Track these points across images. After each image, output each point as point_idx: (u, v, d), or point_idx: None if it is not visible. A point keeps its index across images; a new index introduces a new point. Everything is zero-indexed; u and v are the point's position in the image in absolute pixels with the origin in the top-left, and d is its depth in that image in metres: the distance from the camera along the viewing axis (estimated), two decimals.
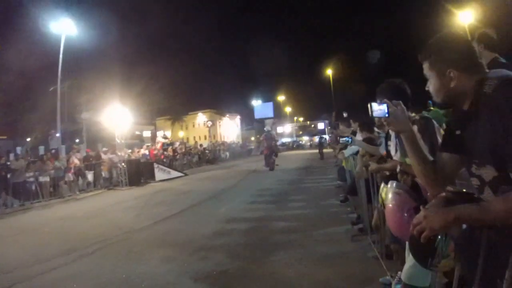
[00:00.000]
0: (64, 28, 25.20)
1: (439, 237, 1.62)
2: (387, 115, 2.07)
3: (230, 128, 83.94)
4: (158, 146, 27.50)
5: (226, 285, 4.78)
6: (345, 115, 8.99)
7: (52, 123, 27.84)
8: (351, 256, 5.49)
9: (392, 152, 3.59)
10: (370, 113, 2.15)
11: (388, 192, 2.93)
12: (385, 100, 2.07)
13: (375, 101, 2.14)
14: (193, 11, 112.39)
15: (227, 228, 7.75)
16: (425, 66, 1.87)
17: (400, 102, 2.17)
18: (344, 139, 6.16)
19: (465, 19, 25.57)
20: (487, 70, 1.69)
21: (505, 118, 1.44)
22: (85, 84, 35.20)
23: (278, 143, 57.31)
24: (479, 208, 1.51)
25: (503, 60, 4.25)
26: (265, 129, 26.99)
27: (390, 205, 2.82)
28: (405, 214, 2.60)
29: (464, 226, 1.60)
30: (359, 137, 6.39)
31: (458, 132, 1.77)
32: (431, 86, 1.86)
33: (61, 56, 24.96)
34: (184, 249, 6.48)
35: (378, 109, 2.10)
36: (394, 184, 2.88)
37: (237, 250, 6.21)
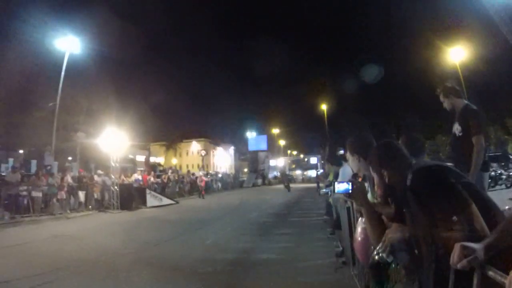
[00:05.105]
0: (68, 45, 25.23)
1: (392, 265, 1.98)
2: (350, 191, 2.74)
3: (223, 158, 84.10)
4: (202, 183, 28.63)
5: None
6: (341, 152, 9.12)
7: (46, 138, 27.80)
8: (333, 286, 5.76)
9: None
10: (333, 190, 2.87)
11: (357, 227, 3.27)
12: (351, 179, 2.88)
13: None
14: (192, 39, 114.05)
15: (214, 257, 7.90)
16: (371, 169, 2.53)
17: (362, 182, 2.95)
18: (323, 191, 6.54)
19: (456, 56, 26.57)
20: (412, 162, 2.30)
21: (422, 202, 2.01)
22: (82, 103, 35.38)
23: (270, 176, 57.89)
24: (431, 232, 1.96)
25: (474, 107, 4.74)
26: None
27: (359, 238, 3.16)
28: (372, 247, 2.90)
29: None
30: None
31: (404, 210, 2.26)
32: (375, 181, 2.51)
33: (63, 73, 25.02)
34: (171, 274, 6.64)
35: (338, 187, 2.79)
36: (362, 219, 3.20)
37: (224, 278, 6.38)
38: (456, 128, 4.70)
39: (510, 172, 20.29)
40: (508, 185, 19.32)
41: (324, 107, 55.36)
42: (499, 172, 19.80)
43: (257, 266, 7.17)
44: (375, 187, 3.22)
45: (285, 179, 45.35)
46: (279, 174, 61.76)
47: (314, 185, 35.58)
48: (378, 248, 2.12)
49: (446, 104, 4.96)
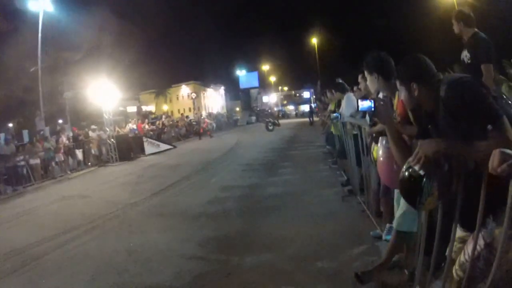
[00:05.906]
0: (41, 4, 24.08)
1: (424, 178, 1.90)
2: (373, 109, 2.63)
3: (214, 100, 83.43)
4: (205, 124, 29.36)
5: (229, 246, 5.09)
6: (340, 80, 8.93)
7: (33, 106, 27.21)
8: (342, 214, 5.83)
9: None
10: (356, 108, 2.76)
11: (379, 148, 3.21)
12: (372, 97, 2.76)
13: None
14: None
15: (221, 196, 8.05)
16: (397, 83, 2.43)
17: (386, 99, 2.92)
18: (333, 115, 6.53)
19: None
20: (441, 77, 2.20)
21: (454, 113, 1.99)
22: (65, 63, 34.37)
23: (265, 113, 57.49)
24: (466, 142, 1.93)
25: (483, 35, 4.59)
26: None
27: (381, 158, 3.15)
28: (394, 165, 2.86)
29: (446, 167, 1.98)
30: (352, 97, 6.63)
31: (429, 126, 2.27)
32: (402, 96, 2.41)
33: (40, 34, 24.07)
34: (182, 218, 6.75)
35: (362, 104, 2.68)
36: (384, 140, 3.14)
37: (233, 215, 6.56)
38: (465, 55, 4.63)
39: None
40: None
41: (314, 40, 54.36)
42: None
43: (265, 201, 7.29)
44: (395, 106, 3.13)
45: (262, 115, 38.96)
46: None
47: (307, 119, 35.79)
48: (409, 161, 2.06)
49: (455, 27, 4.84)
